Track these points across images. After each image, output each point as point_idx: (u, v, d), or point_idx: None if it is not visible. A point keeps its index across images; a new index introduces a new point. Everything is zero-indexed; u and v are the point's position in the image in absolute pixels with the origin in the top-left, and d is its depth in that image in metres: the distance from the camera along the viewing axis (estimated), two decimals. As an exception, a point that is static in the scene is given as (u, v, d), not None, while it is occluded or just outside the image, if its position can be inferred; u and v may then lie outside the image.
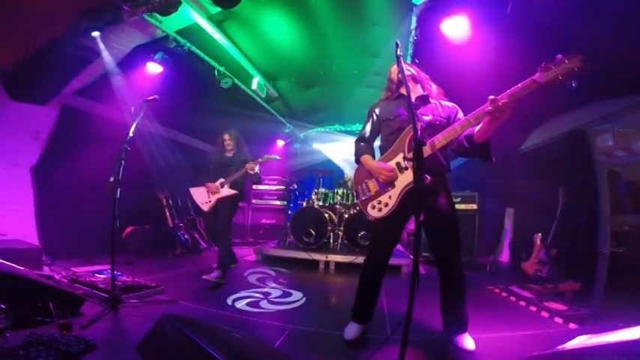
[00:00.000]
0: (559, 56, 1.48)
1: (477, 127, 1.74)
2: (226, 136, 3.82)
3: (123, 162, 2.47)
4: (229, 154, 3.84)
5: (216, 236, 3.74)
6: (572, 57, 1.46)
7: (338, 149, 7.47)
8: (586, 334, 1.91)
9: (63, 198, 3.93)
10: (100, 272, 3.13)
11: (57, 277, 2.83)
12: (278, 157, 3.77)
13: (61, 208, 3.94)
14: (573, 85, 1.47)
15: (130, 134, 2.60)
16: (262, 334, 2.20)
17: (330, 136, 7.50)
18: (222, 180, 3.61)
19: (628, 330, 1.74)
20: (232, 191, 3.58)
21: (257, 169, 3.52)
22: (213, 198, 3.61)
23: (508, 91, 1.56)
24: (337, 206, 5.03)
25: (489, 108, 1.57)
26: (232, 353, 1.25)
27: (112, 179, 2.38)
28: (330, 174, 6.05)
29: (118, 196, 2.44)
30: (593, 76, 2.98)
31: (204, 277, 3.21)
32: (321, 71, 5.06)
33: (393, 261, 3.66)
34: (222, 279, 3.31)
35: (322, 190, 5.38)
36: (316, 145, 7.82)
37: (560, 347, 1.72)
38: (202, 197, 3.68)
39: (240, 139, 3.89)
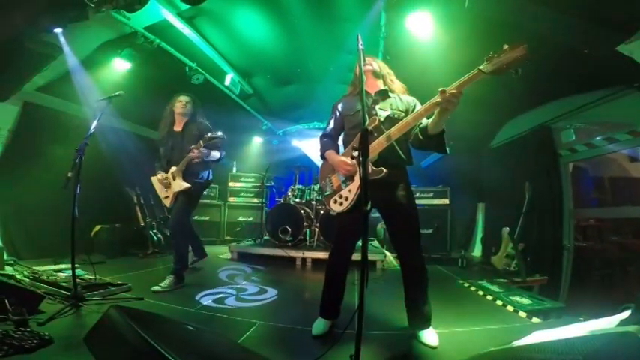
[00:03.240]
0: (505, 46, 1.54)
1: (430, 119, 1.78)
2: (183, 98, 3.10)
3: (81, 157, 2.39)
4: (178, 128, 3.14)
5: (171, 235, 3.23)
6: (516, 47, 1.51)
7: (316, 146, 7.47)
8: (547, 328, 1.99)
9: (27, 196, 3.80)
10: (63, 271, 3.05)
11: (19, 276, 2.75)
12: (224, 137, 2.99)
13: (24, 207, 3.80)
14: (518, 72, 1.53)
15: (91, 130, 2.53)
16: (228, 330, 2.18)
17: (308, 133, 7.50)
18: (173, 169, 3.04)
19: (581, 324, 1.82)
20: (184, 185, 3.00)
21: (203, 151, 2.92)
22: (170, 192, 3.11)
23: (456, 82, 1.61)
24: (313, 202, 5.04)
25: (438, 99, 1.61)
26: (180, 346, 1.24)
27: (69, 174, 2.31)
28: (307, 171, 6.06)
29: (78, 192, 2.36)
30: (558, 73, 3.11)
31: (153, 288, 2.86)
32: (298, 68, 5.06)
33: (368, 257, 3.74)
34: (176, 285, 2.98)
35: (299, 186, 5.36)
36: (295, 142, 7.82)
37: (515, 342, 1.78)
38: (161, 191, 3.21)
39: (199, 108, 3.22)
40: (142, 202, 4.90)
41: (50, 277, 2.75)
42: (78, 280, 2.41)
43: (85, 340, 1.28)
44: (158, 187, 3.25)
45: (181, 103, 3.15)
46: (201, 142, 2.90)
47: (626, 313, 1.71)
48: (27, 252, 3.69)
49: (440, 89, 1.61)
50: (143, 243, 4.66)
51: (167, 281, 2.97)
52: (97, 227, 4.34)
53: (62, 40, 3.34)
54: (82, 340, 1.28)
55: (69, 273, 2.88)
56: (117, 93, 2.69)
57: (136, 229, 4.75)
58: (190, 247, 3.50)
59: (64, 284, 2.57)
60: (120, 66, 3.94)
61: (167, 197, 3.18)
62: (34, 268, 3.06)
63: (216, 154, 3.14)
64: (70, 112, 4.24)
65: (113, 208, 4.75)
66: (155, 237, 4.74)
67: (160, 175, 3.15)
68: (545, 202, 3.81)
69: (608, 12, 2.26)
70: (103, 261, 3.78)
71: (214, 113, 4.82)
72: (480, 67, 1.56)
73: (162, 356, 1.05)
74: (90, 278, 2.82)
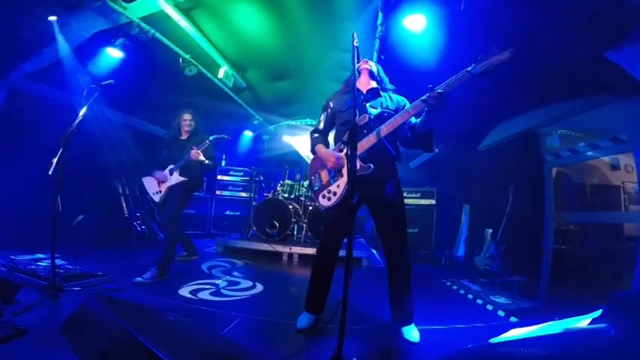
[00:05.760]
0: (493, 49, 1.57)
1: (419, 119, 1.80)
2: (187, 116, 3.46)
3: (67, 144, 2.35)
4: (184, 137, 3.51)
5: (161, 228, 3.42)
6: (503, 50, 1.55)
7: (307, 142, 7.45)
8: (523, 327, 2.05)
9: (7, 184, 3.69)
10: (42, 260, 2.98)
11: (-6, 265, 2.68)
12: (227, 137, 3.51)
13: (5, 195, 3.69)
14: (505, 75, 1.57)
15: (79, 117, 2.49)
16: (210, 322, 2.17)
17: (300, 129, 7.48)
18: (171, 167, 3.33)
19: (556, 323, 1.88)
20: (181, 178, 3.27)
21: (202, 156, 3.23)
22: (163, 187, 3.34)
23: (444, 82, 1.64)
24: (302, 198, 5.04)
25: (425, 97, 1.64)
26: (160, 336, 1.23)
27: (54, 160, 2.26)
28: (297, 166, 6.05)
29: (62, 179, 2.32)
30: (546, 79, 3.16)
31: (135, 280, 2.86)
32: (292, 64, 5.05)
33: (353, 254, 3.78)
34: (160, 277, 2.99)
35: (288, 181, 5.36)
36: (286, 138, 7.78)
37: (492, 340, 1.83)
38: (153, 187, 3.43)
39: (200, 122, 3.58)
40: (127, 192, 4.82)
41: (28, 267, 2.69)
42: (57, 270, 2.37)
43: (62, 330, 1.26)
44: (149, 184, 3.46)
45: (186, 122, 3.48)
46: (206, 141, 3.29)
47: (598, 313, 1.77)
48: (5, 240, 3.59)
49: (428, 87, 1.64)
50: (127, 234, 4.58)
51: (150, 273, 2.94)
52: (80, 217, 4.24)
53: (56, 27, 3.27)
54: (59, 329, 1.26)
55: (48, 263, 2.83)
56: (107, 81, 2.66)
57: (120, 219, 4.66)
58: (182, 245, 3.61)
59: (42, 274, 2.51)
60: (112, 55, 3.89)
61: (159, 192, 3.38)
62: (11, 257, 2.99)
63: (210, 162, 3.40)
64: (59, 100, 4.13)
65: (97, 198, 4.64)
66: (139, 228, 4.67)
67: (158, 171, 3.38)
68: (527, 205, 3.89)
69: (597, 18, 2.31)
70: (84, 252, 3.71)
71: (206, 106, 4.80)
72: (468, 69, 1.59)
73: (142, 345, 1.04)
74: (70, 269, 2.77)
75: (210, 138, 3.31)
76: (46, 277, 2.42)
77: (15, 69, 3.61)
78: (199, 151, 3.21)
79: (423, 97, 1.68)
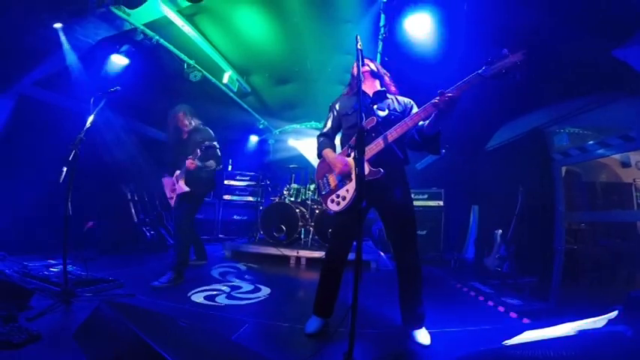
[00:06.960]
0: (504, 51, 1.55)
1: (427, 121, 1.79)
2: (181, 115, 3.33)
3: (77, 152, 2.37)
4: (184, 136, 3.38)
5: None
6: (515, 51, 1.53)
7: (313, 146, 7.47)
8: (537, 328, 2.01)
9: (19, 192, 3.76)
10: (54, 266, 3.02)
11: (8, 271, 2.71)
12: (217, 146, 3.27)
13: (16, 202, 3.76)
14: (517, 77, 1.54)
15: (87, 124, 2.51)
16: (220, 327, 2.17)
17: (305, 133, 7.51)
18: (177, 172, 3.25)
19: (570, 324, 1.84)
20: (185, 188, 3.18)
21: (197, 162, 3.11)
22: (174, 193, 3.30)
23: (455, 85, 1.62)
24: (309, 202, 5.04)
25: (436, 101, 1.62)
26: (172, 342, 1.23)
27: (64, 168, 2.29)
28: (304, 170, 6.06)
29: (72, 186, 2.35)
30: (553, 77, 3.14)
31: (152, 284, 2.89)
32: (296, 67, 5.08)
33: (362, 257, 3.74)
34: (176, 281, 3.01)
35: (295, 185, 5.37)
36: (292, 142, 7.81)
37: (505, 342, 1.80)
38: (167, 192, 3.41)
39: (195, 116, 3.42)
40: (135, 198, 4.87)
41: (41, 273, 2.72)
42: (69, 276, 2.39)
43: (75, 336, 1.27)
44: (166, 187, 3.45)
45: (185, 124, 3.36)
46: (198, 150, 3.08)
47: (614, 314, 1.73)
48: (18, 247, 3.64)
49: (439, 91, 1.62)
50: (136, 240, 4.62)
51: (166, 277, 2.97)
52: (90, 223, 4.29)
53: (61, 34, 3.32)
54: (72, 336, 1.27)
55: (60, 269, 2.86)
56: (114, 88, 2.68)
57: (129, 225, 4.71)
58: (194, 249, 3.63)
59: (54, 280, 2.54)
60: (118, 62, 3.96)
61: (171, 198, 3.35)
62: (24, 263, 3.03)
63: (212, 164, 3.34)
64: (67, 106, 4.20)
65: (106, 204, 4.70)
66: (148, 234, 4.71)
67: (167, 178, 3.38)
68: (537, 205, 3.84)
69: (604, 16, 2.29)
70: (95, 257, 3.75)
71: (211, 111, 4.83)
72: (479, 72, 1.57)
73: (154, 352, 1.04)
74: (81, 274, 2.79)
75: (206, 143, 3.12)
76: (58, 282, 2.45)
77: (23, 76, 3.66)
78: (194, 161, 3.10)
79: (433, 101, 1.67)
